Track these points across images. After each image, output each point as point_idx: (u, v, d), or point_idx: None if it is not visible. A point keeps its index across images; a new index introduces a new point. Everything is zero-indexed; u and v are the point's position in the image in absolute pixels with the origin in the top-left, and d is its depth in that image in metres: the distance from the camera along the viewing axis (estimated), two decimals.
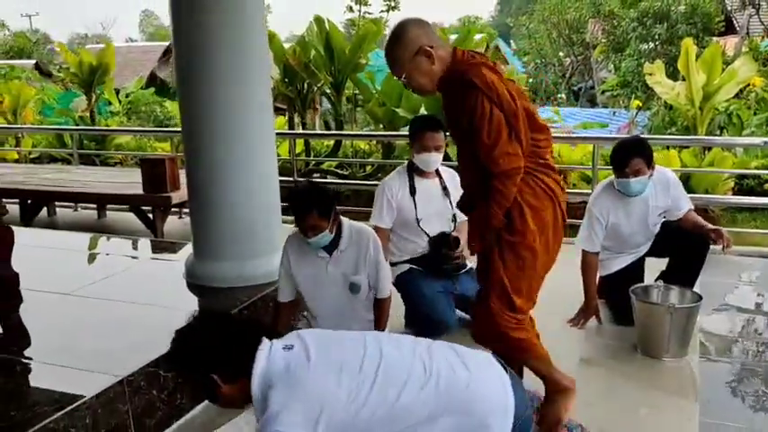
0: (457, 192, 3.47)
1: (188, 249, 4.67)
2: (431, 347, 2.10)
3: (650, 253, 3.95)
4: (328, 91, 9.84)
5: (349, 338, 2.12)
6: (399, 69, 2.54)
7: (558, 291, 3.92)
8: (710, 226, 3.79)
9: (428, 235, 3.72)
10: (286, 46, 9.59)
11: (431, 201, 3.72)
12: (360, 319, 3.23)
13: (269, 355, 2.00)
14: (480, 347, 2.44)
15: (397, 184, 3.73)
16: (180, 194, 6.08)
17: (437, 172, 3.79)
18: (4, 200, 4.99)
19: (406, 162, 3.83)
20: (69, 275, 4.27)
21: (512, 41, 28.34)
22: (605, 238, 3.82)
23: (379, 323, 3.28)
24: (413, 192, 3.71)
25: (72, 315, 3.56)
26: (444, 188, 3.75)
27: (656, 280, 3.88)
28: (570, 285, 3.91)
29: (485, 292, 2.62)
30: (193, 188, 3.98)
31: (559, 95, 19.70)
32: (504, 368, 2.14)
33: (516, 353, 2.65)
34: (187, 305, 3.71)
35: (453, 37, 9.55)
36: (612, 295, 3.90)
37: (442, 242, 3.69)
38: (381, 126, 9.03)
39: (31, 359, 3.12)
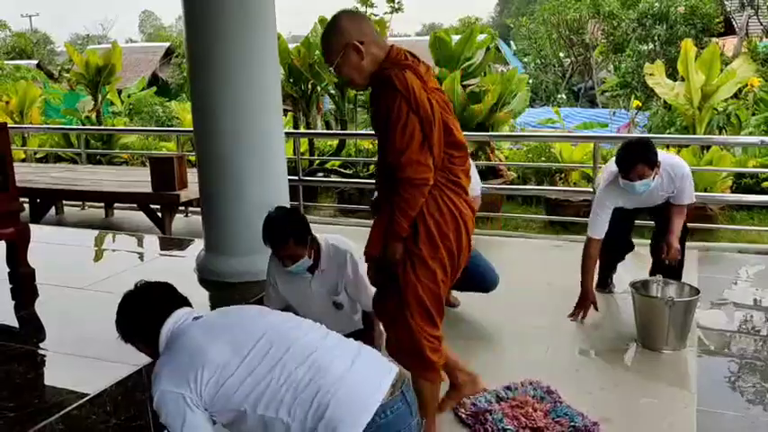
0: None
1: (195, 246, 4.78)
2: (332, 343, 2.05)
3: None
4: (332, 91, 9.95)
5: (255, 324, 2.08)
6: (330, 59, 2.51)
7: (554, 284, 4.05)
8: (673, 236, 3.91)
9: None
10: (291, 47, 9.69)
11: None
12: (352, 327, 3.29)
13: (176, 323, 2.10)
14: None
15: None
16: (187, 192, 6.18)
17: None
18: None
19: None
20: (83, 271, 4.38)
21: (512, 42, 28.43)
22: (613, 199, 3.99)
23: (371, 335, 3.29)
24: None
25: (88, 308, 3.66)
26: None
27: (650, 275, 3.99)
28: (566, 280, 4.03)
29: (401, 311, 2.53)
30: (205, 185, 4.08)
31: (559, 96, 19.78)
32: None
33: (424, 373, 2.59)
34: (199, 299, 3.81)
35: (456, 38, 9.65)
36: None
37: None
38: None
39: (50, 350, 3.22)
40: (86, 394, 2.66)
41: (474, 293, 4.06)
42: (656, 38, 16.44)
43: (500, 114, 8.63)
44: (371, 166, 9.32)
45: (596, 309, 3.96)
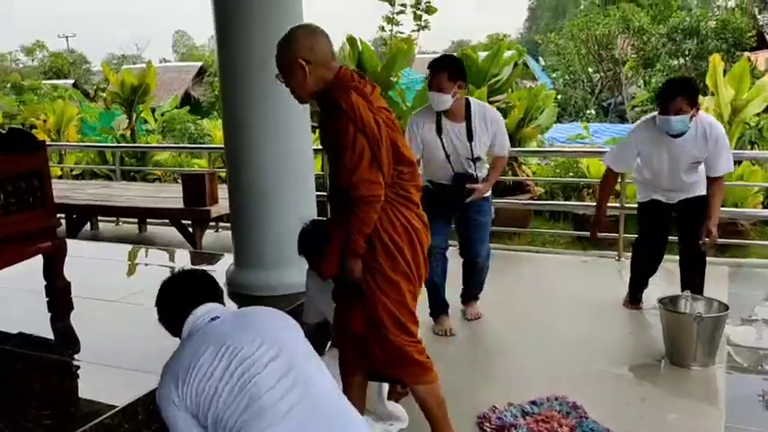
0: (486, 134, 3.90)
1: (225, 260, 4.87)
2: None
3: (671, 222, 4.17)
4: None
5: (258, 334, 2.05)
6: (278, 68, 2.58)
7: (581, 299, 4.05)
8: (712, 221, 3.85)
9: (453, 170, 3.95)
10: None
11: (454, 141, 3.92)
12: None
13: (197, 318, 2.15)
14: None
15: (422, 120, 3.97)
16: (218, 208, 6.31)
17: (467, 115, 3.93)
18: None
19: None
20: (116, 284, 4.50)
21: (540, 58, 28.41)
22: (645, 170, 4.03)
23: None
24: (439, 131, 3.92)
25: (121, 321, 3.76)
26: (469, 132, 3.91)
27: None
28: (593, 295, 4.02)
29: (375, 330, 2.56)
30: (235, 201, 4.18)
31: (588, 111, 19.69)
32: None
33: (419, 378, 2.64)
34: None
35: (483, 54, 9.70)
36: (642, 220, 4.21)
37: (465, 178, 3.95)
38: None
39: (84, 361, 3.31)
40: (119, 404, 2.73)
41: (501, 312, 4.06)
42: (686, 53, 16.33)
43: (527, 130, 8.64)
44: None
45: (599, 231, 4.14)
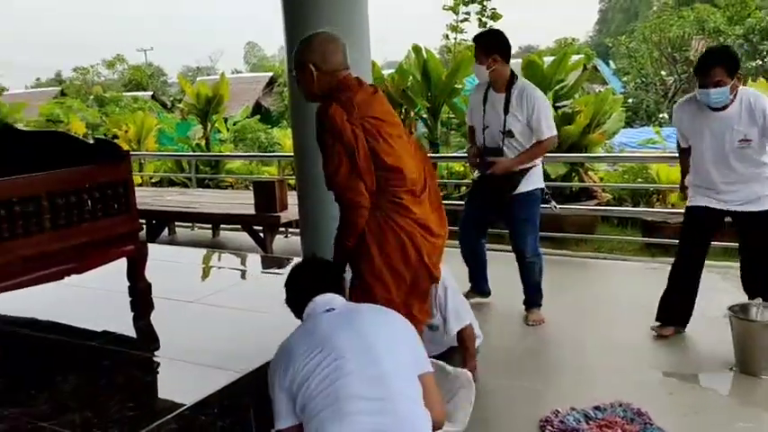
0: (521, 111, 4.10)
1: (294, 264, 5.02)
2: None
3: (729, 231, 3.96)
4: (425, 115, 10.16)
5: (359, 336, 2.11)
6: (294, 65, 2.82)
7: (648, 306, 4.00)
8: None
9: (485, 143, 4.26)
10: (384, 73, 10.01)
11: (493, 111, 4.21)
12: (447, 345, 3.45)
13: (316, 306, 2.29)
14: None
15: (476, 90, 4.42)
16: (287, 214, 6.52)
17: (507, 88, 4.15)
18: None
19: None
20: (193, 286, 4.73)
21: (611, 61, 27.81)
22: (693, 159, 3.82)
23: (464, 354, 3.40)
24: (485, 101, 4.24)
25: (197, 320, 3.95)
26: (507, 102, 4.14)
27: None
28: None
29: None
30: (304, 207, 4.33)
31: (661, 115, 19.15)
32: None
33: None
34: None
35: (549, 60, 9.64)
36: (682, 236, 3.96)
37: (491, 151, 4.22)
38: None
39: (164, 357, 3.51)
40: (196, 398, 2.87)
41: (566, 317, 4.07)
42: (764, 54, 15.70)
43: (593, 135, 8.53)
44: (462, 188, 9.42)
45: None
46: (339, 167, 2.61)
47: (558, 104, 8.75)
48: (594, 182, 8.58)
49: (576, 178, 8.28)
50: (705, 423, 3.03)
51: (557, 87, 9.10)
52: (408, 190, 2.71)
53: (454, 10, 10.26)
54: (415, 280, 2.77)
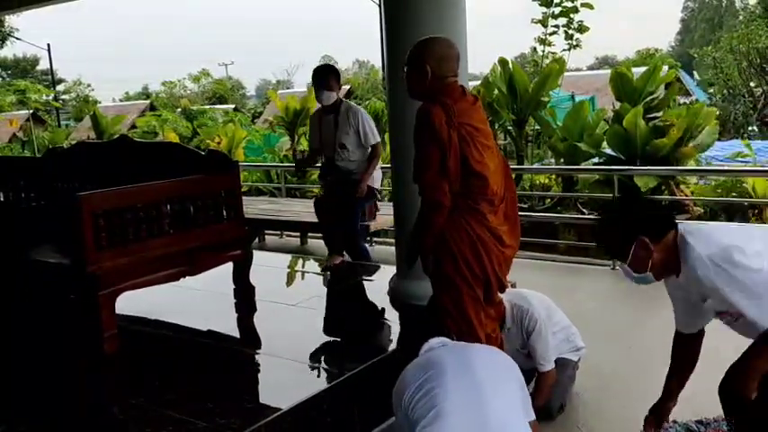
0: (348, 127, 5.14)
1: (382, 271, 5.17)
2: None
3: None
4: (510, 128, 10.17)
5: (464, 380, 2.20)
6: (407, 63, 2.95)
7: None
8: None
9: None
10: (470, 85, 10.10)
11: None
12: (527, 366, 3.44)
13: (428, 347, 2.50)
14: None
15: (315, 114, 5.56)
16: (376, 224, 6.66)
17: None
18: None
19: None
20: (292, 290, 4.94)
21: (694, 72, 26.96)
22: None
23: (538, 388, 3.37)
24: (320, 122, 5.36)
25: (299, 322, 4.12)
26: (336, 123, 5.18)
27: None
28: None
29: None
30: (400, 215, 4.46)
31: (750, 128, 18.44)
32: None
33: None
34: (393, 318, 4.17)
35: (637, 71, 9.49)
36: None
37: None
38: (561, 160, 9.16)
39: (273, 356, 3.64)
40: (305, 395, 3.01)
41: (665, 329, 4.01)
42: None
43: (686, 149, 8.34)
44: (547, 200, 9.38)
45: None
46: (430, 166, 2.74)
47: (648, 116, 8.61)
48: (686, 195, 8.38)
49: (667, 192, 8.12)
50: None
51: (647, 99, 8.95)
52: (488, 199, 2.83)
53: (543, 23, 10.25)
54: (484, 285, 2.89)
